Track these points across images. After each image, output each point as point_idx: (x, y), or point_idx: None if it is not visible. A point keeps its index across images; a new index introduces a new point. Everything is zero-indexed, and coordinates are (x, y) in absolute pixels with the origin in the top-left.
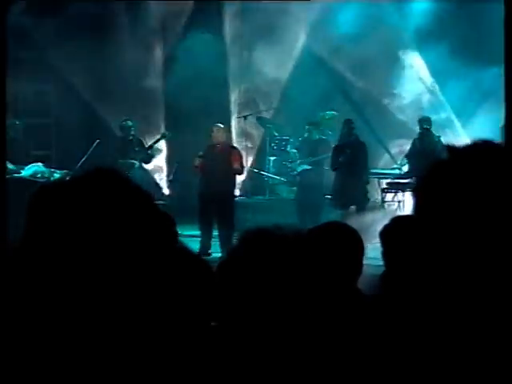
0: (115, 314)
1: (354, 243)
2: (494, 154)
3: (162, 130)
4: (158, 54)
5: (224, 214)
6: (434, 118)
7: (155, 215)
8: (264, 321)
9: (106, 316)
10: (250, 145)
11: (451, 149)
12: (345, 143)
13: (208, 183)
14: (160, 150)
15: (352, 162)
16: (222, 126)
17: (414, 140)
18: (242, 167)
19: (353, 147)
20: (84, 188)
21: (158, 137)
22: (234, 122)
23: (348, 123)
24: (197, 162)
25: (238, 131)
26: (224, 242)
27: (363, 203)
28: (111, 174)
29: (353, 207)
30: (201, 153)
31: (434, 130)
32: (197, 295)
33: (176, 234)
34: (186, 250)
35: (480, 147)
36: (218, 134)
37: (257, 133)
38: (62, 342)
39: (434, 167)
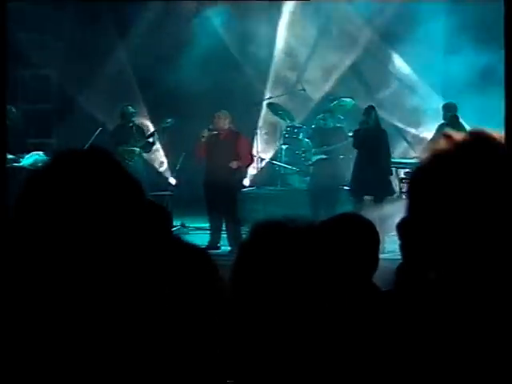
0: (106, 309)
1: (370, 236)
2: (491, 146)
3: (165, 117)
4: (165, 38)
5: (228, 205)
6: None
7: (145, 205)
8: (276, 318)
9: (95, 309)
10: (260, 133)
11: (448, 138)
12: (365, 130)
13: (212, 173)
14: (161, 138)
15: (372, 150)
16: (225, 112)
17: (439, 127)
18: (251, 156)
19: (373, 135)
20: (74, 170)
21: (161, 124)
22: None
23: (369, 110)
24: (201, 141)
25: (250, 118)
26: (231, 234)
27: (383, 194)
28: (101, 157)
29: (370, 198)
30: (204, 134)
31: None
32: (196, 290)
33: (169, 227)
34: (181, 243)
35: (478, 139)
36: (220, 121)
37: (268, 120)
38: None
39: (430, 161)
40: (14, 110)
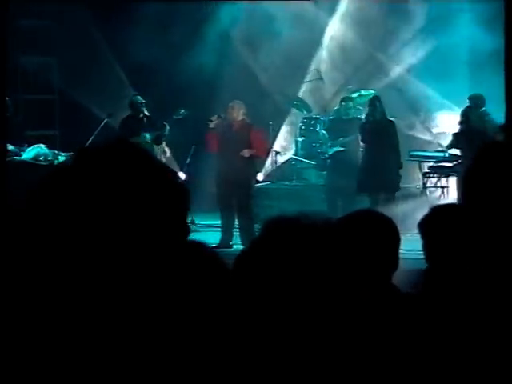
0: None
1: (390, 234)
2: None
3: (176, 107)
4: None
5: (241, 201)
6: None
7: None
8: (289, 321)
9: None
10: (275, 124)
11: (507, 130)
12: (370, 122)
13: (224, 166)
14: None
15: (379, 143)
16: (239, 102)
17: (463, 119)
18: (265, 148)
19: (381, 127)
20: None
21: (173, 115)
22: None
23: (374, 100)
24: (212, 129)
25: (264, 110)
26: (244, 232)
27: (392, 189)
28: (132, 149)
29: (382, 193)
30: (212, 119)
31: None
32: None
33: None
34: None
35: None
36: (234, 112)
37: (283, 112)
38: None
39: (485, 151)
40: (8, 101)
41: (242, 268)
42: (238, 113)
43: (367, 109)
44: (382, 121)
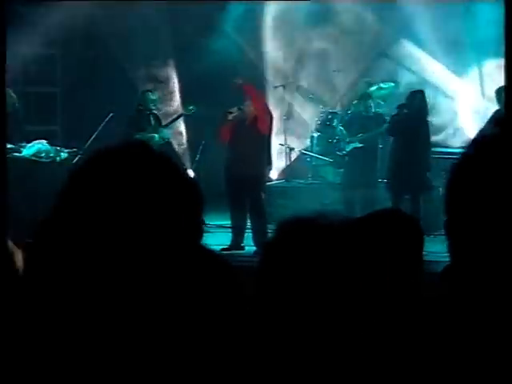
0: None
1: (414, 234)
2: None
3: (184, 103)
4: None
5: (253, 199)
6: None
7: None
8: (308, 330)
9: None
10: (288, 119)
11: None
12: (405, 115)
13: (235, 162)
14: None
15: (411, 140)
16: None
17: (494, 113)
18: (270, 130)
19: (415, 123)
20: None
21: (181, 111)
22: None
23: (416, 94)
24: (227, 121)
25: (274, 103)
26: (257, 232)
27: (422, 189)
28: (147, 150)
29: (409, 193)
30: (232, 111)
31: None
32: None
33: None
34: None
35: None
36: (250, 106)
37: (297, 105)
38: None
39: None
40: (12, 94)
41: (260, 273)
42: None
43: (405, 101)
44: (417, 116)
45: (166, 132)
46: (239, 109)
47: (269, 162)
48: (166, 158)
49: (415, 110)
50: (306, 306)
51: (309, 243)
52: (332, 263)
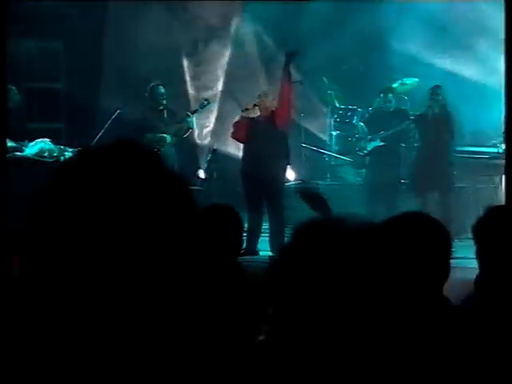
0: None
1: (440, 239)
2: None
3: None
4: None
5: (272, 200)
6: None
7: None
8: (328, 339)
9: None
10: (306, 116)
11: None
12: (429, 114)
13: (252, 163)
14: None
15: (436, 137)
16: (273, 89)
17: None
18: (288, 126)
19: (438, 119)
20: (102, 168)
21: (197, 106)
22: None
23: (436, 90)
24: (243, 117)
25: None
26: (275, 236)
27: (447, 189)
28: (137, 151)
29: (434, 194)
30: (248, 107)
31: None
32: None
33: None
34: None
35: None
36: (267, 101)
37: (315, 101)
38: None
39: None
40: (15, 90)
41: (272, 280)
42: (273, 102)
43: (429, 100)
44: (442, 114)
45: (191, 121)
46: (255, 105)
47: (287, 162)
48: (155, 157)
49: (438, 107)
50: (324, 315)
51: (327, 248)
52: (352, 270)
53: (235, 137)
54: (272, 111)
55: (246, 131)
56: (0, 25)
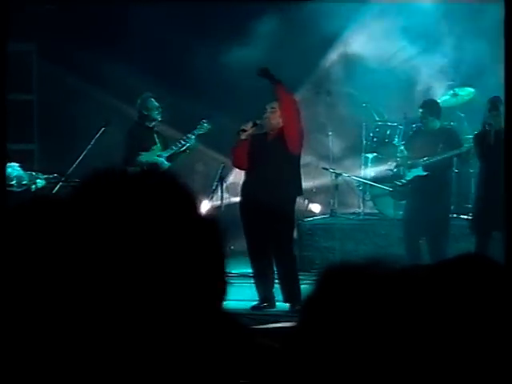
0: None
1: (506, 288)
2: None
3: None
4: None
5: (279, 239)
6: None
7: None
8: None
9: None
10: (334, 135)
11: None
12: (491, 134)
13: (254, 191)
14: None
15: (498, 161)
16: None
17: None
18: (300, 147)
19: (499, 140)
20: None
21: (195, 130)
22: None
23: (496, 103)
24: (241, 140)
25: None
26: (285, 283)
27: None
28: (131, 186)
29: (498, 233)
30: (245, 129)
31: None
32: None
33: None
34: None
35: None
36: (274, 116)
37: (345, 116)
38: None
39: None
40: None
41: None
42: (279, 119)
43: (488, 115)
44: (501, 132)
45: (192, 139)
46: (255, 124)
47: (298, 192)
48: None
49: (498, 122)
50: (358, 380)
51: (360, 299)
52: (392, 326)
53: (237, 165)
54: (279, 129)
55: (248, 156)
56: (0, 27)
